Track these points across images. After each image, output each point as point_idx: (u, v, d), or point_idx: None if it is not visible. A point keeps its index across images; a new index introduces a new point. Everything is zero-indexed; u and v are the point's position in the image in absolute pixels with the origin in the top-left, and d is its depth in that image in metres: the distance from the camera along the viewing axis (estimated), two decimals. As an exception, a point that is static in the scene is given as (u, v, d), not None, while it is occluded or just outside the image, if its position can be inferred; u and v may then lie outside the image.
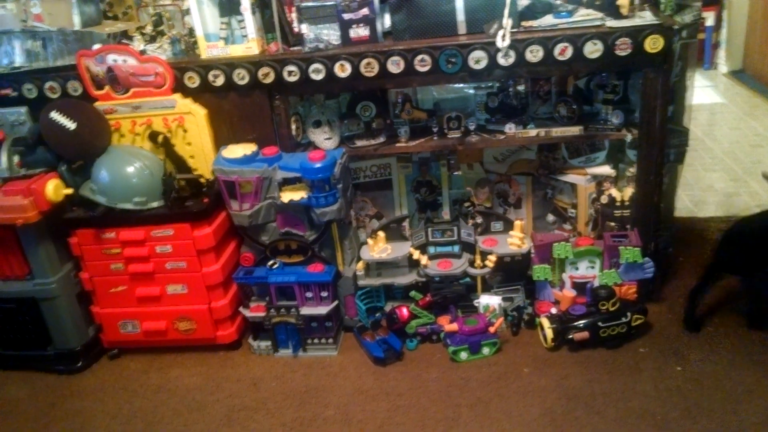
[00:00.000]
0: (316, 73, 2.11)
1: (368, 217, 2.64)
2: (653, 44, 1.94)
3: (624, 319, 2.10)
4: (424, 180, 2.59)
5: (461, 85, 2.49)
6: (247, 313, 2.31)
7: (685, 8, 2.27)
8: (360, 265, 2.30)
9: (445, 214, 2.59)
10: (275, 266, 2.28)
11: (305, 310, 2.23)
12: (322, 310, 2.22)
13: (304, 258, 2.28)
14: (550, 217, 2.56)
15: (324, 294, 2.23)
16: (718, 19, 5.26)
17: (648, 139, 2.12)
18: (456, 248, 2.28)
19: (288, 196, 2.17)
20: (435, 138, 2.35)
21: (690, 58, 2.36)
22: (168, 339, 2.34)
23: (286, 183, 2.18)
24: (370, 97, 2.43)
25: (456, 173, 2.55)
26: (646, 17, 2.00)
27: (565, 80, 2.37)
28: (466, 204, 2.55)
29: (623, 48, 1.96)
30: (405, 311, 2.23)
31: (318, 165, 2.09)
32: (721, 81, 5.03)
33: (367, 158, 2.51)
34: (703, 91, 4.77)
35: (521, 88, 2.39)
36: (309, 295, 2.24)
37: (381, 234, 2.30)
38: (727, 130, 3.94)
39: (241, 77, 2.16)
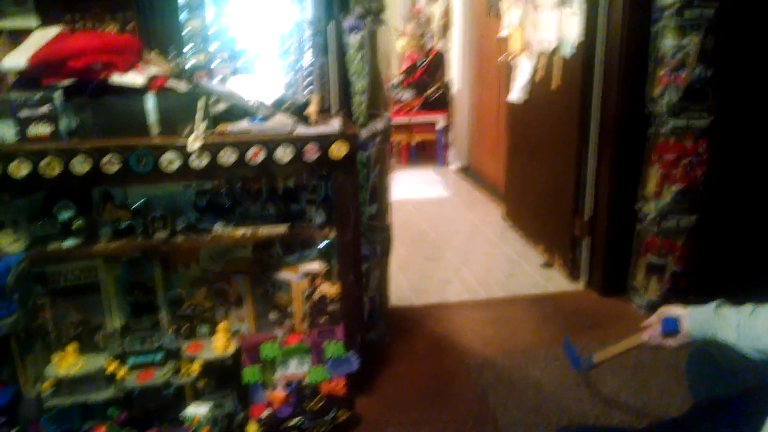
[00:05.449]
0: (-13, 172, 1.91)
1: (73, 325, 2.39)
2: (338, 150, 2.08)
3: (329, 417, 2.11)
4: (137, 281, 2.44)
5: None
6: None
7: (377, 117, 2.50)
8: (47, 383, 2.05)
9: (162, 318, 2.45)
10: (-65, 394, 1.94)
11: (-28, 444, 1.91)
12: (-5, 441, 1.92)
13: (-26, 381, 1.97)
14: (272, 315, 2.55)
15: (-2, 421, 1.93)
16: (447, 122, 5.95)
17: (344, 237, 2.24)
18: (158, 356, 2.14)
19: (-49, 310, 1.88)
20: (139, 239, 2.24)
21: (386, 161, 2.60)
22: None
23: (-51, 296, 1.90)
24: (71, 195, 2.26)
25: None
26: (334, 126, 2.15)
27: (276, 180, 2.44)
28: (184, 306, 2.43)
29: (311, 153, 2.07)
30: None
31: (-13, 274, 1.86)
32: (451, 177, 5.63)
33: (69, 261, 2.30)
34: (434, 187, 5.30)
35: (238, 186, 2.40)
36: (-22, 425, 1.93)
37: (71, 346, 2.09)
38: (448, 221, 4.37)
39: None
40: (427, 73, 6.04)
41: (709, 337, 1.56)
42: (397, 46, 6.43)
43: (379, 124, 2.48)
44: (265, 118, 2.16)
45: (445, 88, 5.92)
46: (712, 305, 1.58)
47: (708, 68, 2.75)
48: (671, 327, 1.67)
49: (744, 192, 2.96)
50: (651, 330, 1.73)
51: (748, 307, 1.47)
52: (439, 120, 5.91)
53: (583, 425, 2.13)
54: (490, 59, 4.79)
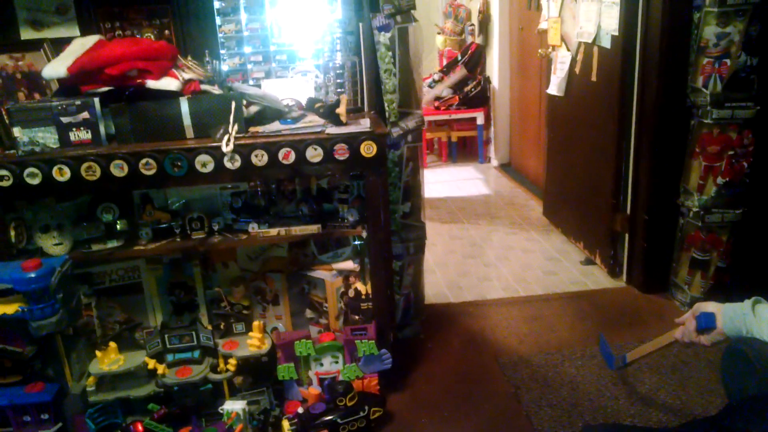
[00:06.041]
0: (32, 177, 2.00)
1: (117, 323, 2.48)
2: (367, 149, 2.09)
3: (362, 413, 2.13)
4: (178, 281, 2.51)
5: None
6: (-48, 447, 2.02)
7: (408, 115, 2.50)
8: (91, 379, 2.13)
9: (203, 315, 2.52)
10: (-15, 389, 2.04)
11: (22, 437, 2.00)
12: (42, 434, 2.01)
13: (22, 377, 2.07)
14: (309, 313, 2.59)
15: (44, 416, 2.02)
16: (487, 118, 5.89)
17: (375, 236, 2.25)
18: (196, 354, 2.20)
19: None
20: (177, 239, 2.30)
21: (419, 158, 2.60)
22: None
23: (-2, 295, 1.99)
24: (114, 198, 2.34)
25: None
26: (364, 125, 2.16)
27: (309, 180, 2.47)
28: (222, 304, 2.50)
29: (341, 153, 2.09)
30: (139, 427, 2.09)
31: (32, 275, 1.94)
32: (492, 174, 5.57)
33: (113, 262, 2.38)
34: (474, 184, 5.26)
35: (273, 187, 2.45)
36: (27, 419, 2.02)
37: (112, 344, 2.17)
38: (488, 219, 4.33)
39: (-57, 183, 1.99)
40: (467, 68, 5.99)
41: (744, 335, 1.51)
42: (437, 42, 6.41)
43: (410, 122, 2.49)
44: (296, 120, 2.19)
45: (486, 83, 5.85)
46: (748, 302, 1.53)
47: (753, 56, 2.65)
48: (707, 322, 1.62)
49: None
50: (685, 326, 1.69)
51: None
52: (480, 116, 5.85)
53: (608, 423, 2.09)
54: (532, 53, 4.72)
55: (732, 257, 2.88)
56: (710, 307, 1.64)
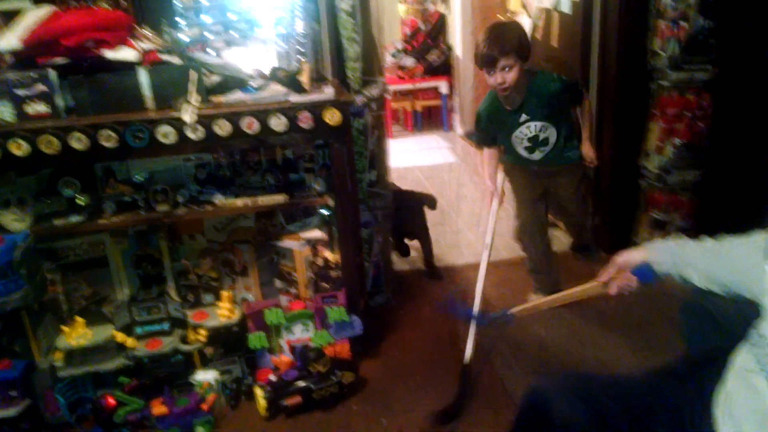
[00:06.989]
0: (-12, 152, 1.95)
1: (84, 298, 2.45)
2: (331, 117, 2.09)
3: (335, 379, 2.16)
4: (144, 254, 2.49)
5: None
6: None
7: (371, 83, 2.49)
8: (58, 354, 2.11)
9: (170, 288, 2.51)
10: (-48, 368, 2.01)
11: (-9, 415, 1.99)
12: (12, 411, 1.99)
13: (-11, 355, 2.04)
14: (278, 283, 2.60)
15: (13, 393, 2.00)
16: (451, 87, 5.90)
17: (342, 204, 2.26)
18: (165, 326, 2.20)
19: (-39, 288, 1.94)
20: (142, 212, 2.28)
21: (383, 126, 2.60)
22: None
23: (-42, 274, 1.95)
24: (75, 172, 2.30)
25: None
26: (328, 93, 2.15)
27: (274, 150, 2.46)
28: (190, 276, 2.48)
29: (305, 121, 2.08)
30: (111, 400, 2.09)
31: (-7, 251, 1.91)
32: (457, 142, 5.60)
33: (77, 236, 2.35)
34: (440, 152, 5.28)
35: (237, 157, 2.42)
36: (-5, 396, 2.00)
37: (79, 319, 2.15)
38: (455, 186, 4.37)
39: None
40: (430, 37, 5.97)
41: (675, 278, 1.46)
42: (399, 11, 6.35)
43: (374, 90, 2.48)
44: (258, 89, 2.17)
45: (448, 51, 5.85)
46: (671, 245, 1.46)
47: (710, 19, 2.69)
48: (651, 276, 1.48)
49: (751, 146, 2.91)
50: (621, 282, 1.52)
51: (707, 245, 1.39)
52: (443, 84, 5.85)
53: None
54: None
55: (693, 217, 2.95)
56: (637, 256, 1.51)
